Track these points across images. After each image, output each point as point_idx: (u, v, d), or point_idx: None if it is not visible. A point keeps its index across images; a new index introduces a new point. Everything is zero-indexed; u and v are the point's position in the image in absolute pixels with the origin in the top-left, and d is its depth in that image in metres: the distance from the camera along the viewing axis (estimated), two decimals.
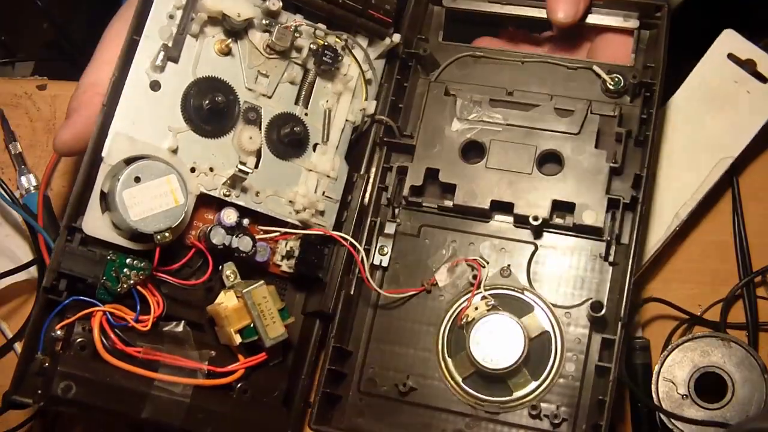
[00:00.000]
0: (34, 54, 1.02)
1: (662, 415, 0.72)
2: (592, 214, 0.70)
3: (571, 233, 0.72)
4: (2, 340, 0.78)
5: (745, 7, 0.87)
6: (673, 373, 0.73)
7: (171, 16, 0.65)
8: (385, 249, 0.74)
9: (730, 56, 0.79)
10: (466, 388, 0.70)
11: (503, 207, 0.73)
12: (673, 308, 0.77)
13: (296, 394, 0.71)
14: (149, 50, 0.64)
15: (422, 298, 0.73)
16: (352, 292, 0.72)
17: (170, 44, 0.65)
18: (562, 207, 0.72)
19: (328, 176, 0.73)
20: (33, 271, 0.77)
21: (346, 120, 0.74)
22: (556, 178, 0.72)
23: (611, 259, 0.71)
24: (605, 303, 0.69)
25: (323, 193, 0.73)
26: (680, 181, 0.78)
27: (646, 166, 0.70)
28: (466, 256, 0.73)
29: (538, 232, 0.73)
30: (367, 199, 0.74)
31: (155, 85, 0.65)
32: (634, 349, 0.75)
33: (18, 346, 0.78)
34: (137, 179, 0.62)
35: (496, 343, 0.69)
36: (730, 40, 0.79)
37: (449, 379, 0.71)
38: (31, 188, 0.79)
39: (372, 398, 0.71)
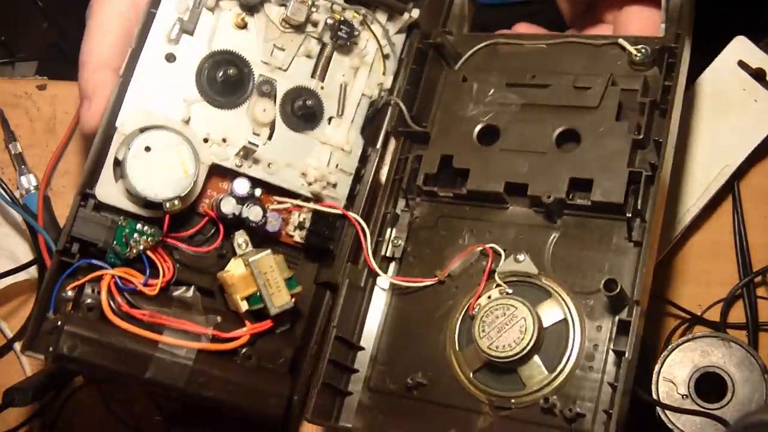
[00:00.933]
0: (34, 54, 1.02)
1: (662, 415, 0.72)
2: (612, 190, 0.66)
3: (591, 213, 0.68)
4: (2, 340, 0.78)
5: (755, 9, 0.87)
6: (673, 373, 0.73)
7: None
8: (399, 240, 0.73)
9: (740, 63, 0.79)
10: (477, 382, 0.67)
11: (518, 189, 0.69)
12: (673, 308, 0.77)
13: (304, 362, 0.71)
14: (165, 23, 0.66)
15: (436, 290, 0.70)
16: (363, 281, 0.71)
17: (186, 17, 0.66)
18: (580, 185, 0.67)
19: (342, 149, 0.73)
20: (33, 271, 0.77)
21: (363, 94, 0.74)
22: (573, 155, 0.68)
23: (634, 237, 0.66)
24: (629, 286, 0.64)
25: (336, 165, 0.73)
26: (684, 187, 0.77)
27: (667, 133, 0.65)
28: (482, 244, 0.70)
29: (555, 215, 0.69)
30: (383, 179, 0.74)
31: (170, 57, 0.66)
32: None
33: (18, 346, 0.78)
34: (147, 148, 0.64)
35: (504, 331, 0.65)
36: (741, 48, 0.79)
37: (460, 373, 0.67)
38: (31, 188, 0.79)
39: (380, 395, 0.69)
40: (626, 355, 0.61)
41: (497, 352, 0.64)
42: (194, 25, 0.67)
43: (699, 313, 0.77)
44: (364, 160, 0.74)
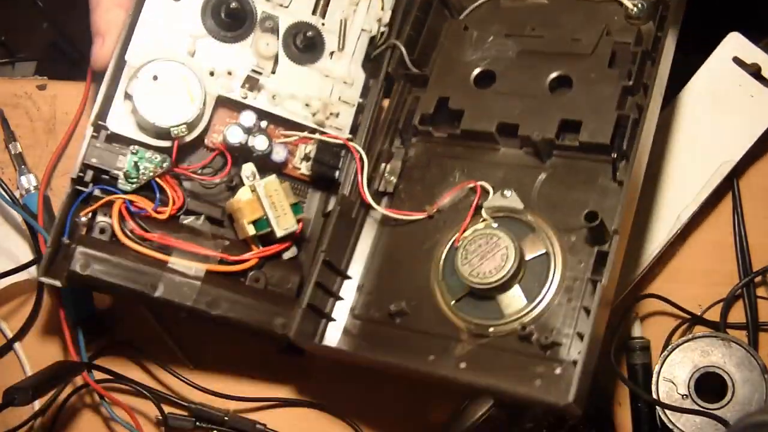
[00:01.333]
0: (34, 54, 1.02)
1: (662, 415, 0.72)
2: (599, 131, 0.68)
3: (578, 154, 0.70)
4: (2, 340, 0.78)
5: (750, 6, 0.87)
6: (673, 373, 0.73)
7: None
8: (392, 177, 0.75)
9: (736, 59, 0.79)
10: (457, 310, 0.68)
11: (509, 130, 0.71)
12: (673, 308, 0.77)
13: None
14: None
15: (424, 224, 0.72)
16: (354, 212, 0.73)
17: None
18: (569, 127, 0.70)
19: (344, 82, 0.75)
20: (33, 271, 0.77)
21: (362, 29, 0.76)
22: (565, 98, 0.71)
23: (619, 178, 0.68)
24: (611, 223, 0.64)
25: (339, 97, 0.75)
26: (682, 184, 0.78)
27: (655, 77, 0.66)
28: (472, 181, 0.72)
29: (545, 155, 0.71)
30: (380, 117, 0.76)
31: None
32: (633, 350, 0.75)
33: (18, 346, 0.78)
34: (155, 77, 0.68)
35: (486, 259, 0.66)
36: (736, 44, 0.79)
37: (441, 302, 0.69)
38: (31, 188, 0.79)
39: (365, 323, 0.71)
40: (602, 281, 0.62)
41: (477, 278, 0.66)
42: None
43: (699, 313, 0.77)
44: (365, 93, 0.76)
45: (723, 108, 0.78)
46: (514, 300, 0.66)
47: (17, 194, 0.79)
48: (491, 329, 0.66)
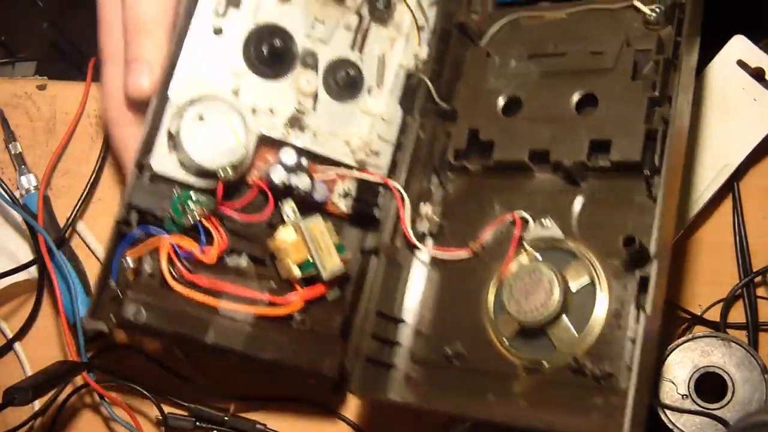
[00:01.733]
0: (34, 54, 1.02)
1: (662, 415, 0.72)
2: (629, 148, 0.66)
3: (612, 174, 0.68)
4: (2, 340, 0.78)
5: (755, 9, 0.87)
6: (673, 373, 0.73)
7: None
8: (434, 216, 0.74)
9: (740, 63, 0.79)
10: (511, 347, 0.67)
11: (541, 156, 0.69)
12: (673, 308, 0.77)
13: (354, 328, 0.73)
14: None
15: (471, 261, 0.71)
16: (400, 256, 0.72)
17: None
18: (600, 147, 0.67)
19: (382, 119, 0.75)
20: (33, 271, 0.77)
21: (400, 65, 0.76)
22: (593, 118, 0.69)
23: (654, 194, 0.65)
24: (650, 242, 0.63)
25: (378, 134, 0.75)
26: (683, 187, 0.77)
27: (677, 85, 0.65)
28: (511, 213, 0.70)
29: (579, 178, 0.69)
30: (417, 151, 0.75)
31: (218, 30, 0.69)
32: None
33: (18, 346, 0.78)
34: (201, 118, 0.66)
35: (531, 295, 0.65)
36: (740, 47, 0.79)
37: (495, 340, 0.68)
38: (31, 188, 0.79)
39: (425, 367, 0.70)
40: (646, 310, 0.61)
41: (525, 316, 0.65)
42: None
43: (699, 313, 0.77)
44: (403, 129, 0.76)
45: (726, 111, 0.78)
46: (564, 332, 0.65)
47: (17, 194, 0.79)
48: (545, 363, 0.65)
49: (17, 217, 0.78)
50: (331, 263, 0.69)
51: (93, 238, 0.80)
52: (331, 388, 0.73)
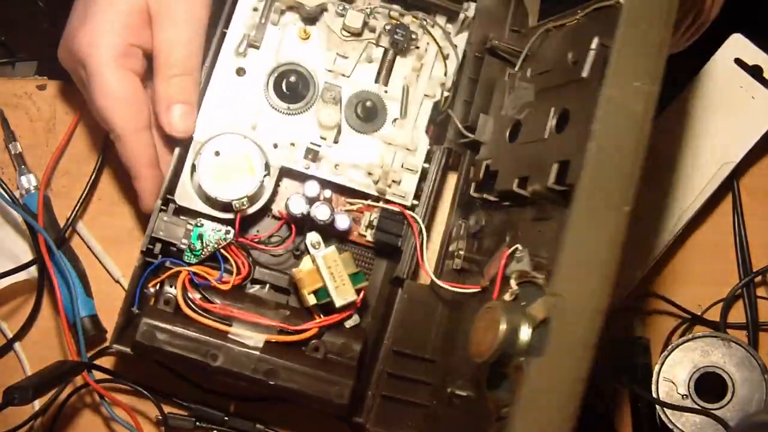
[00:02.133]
0: (34, 54, 1.02)
1: (662, 415, 0.72)
2: (577, 171, 0.54)
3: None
4: (2, 340, 0.78)
5: (753, 8, 0.87)
6: (673, 373, 0.73)
7: (255, 9, 0.73)
8: (462, 252, 0.73)
9: (737, 61, 0.79)
10: (487, 390, 0.62)
11: (525, 184, 0.64)
12: (673, 308, 0.77)
13: (377, 360, 0.73)
14: (234, 39, 0.73)
15: (480, 297, 0.68)
16: (419, 292, 0.72)
17: (252, 33, 0.73)
18: (566, 168, 0.60)
19: (407, 149, 0.75)
20: (33, 271, 0.77)
21: (425, 95, 0.76)
22: (564, 136, 0.62)
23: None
24: None
25: (402, 164, 0.75)
26: (683, 185, 0.78)
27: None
28: (507, 248, 0.65)
29: (559, 204, 0.61)
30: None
31: (240, 71, 0.73)
32: (633, 349, 0.75)
33: (18, 346, 0.78)
34: (217, 153, 0.70)
35: (486, 336, 0.59)
36: (737, 45, 0.79)
37: (483, 380, 0.63)
38: (31, 188, 0.79)
39: (439, 404, 0.70)
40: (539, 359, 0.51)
41: (479, 357, 0.59)
42: (260, 40, 0.73)
43: (699, 313, 0.77)
44: (429, 159, 0.76)
45: (724, 109, 0.79)
46: (520, 373, 0.58)
47: (17, 194, 0.79)
48: (504, 409, 0.61)
49: (17, 217, 0.78)
50: (343, 292, 0.70)
51: (93, 238, 0.80)
52: (339, 418, 0.73)
